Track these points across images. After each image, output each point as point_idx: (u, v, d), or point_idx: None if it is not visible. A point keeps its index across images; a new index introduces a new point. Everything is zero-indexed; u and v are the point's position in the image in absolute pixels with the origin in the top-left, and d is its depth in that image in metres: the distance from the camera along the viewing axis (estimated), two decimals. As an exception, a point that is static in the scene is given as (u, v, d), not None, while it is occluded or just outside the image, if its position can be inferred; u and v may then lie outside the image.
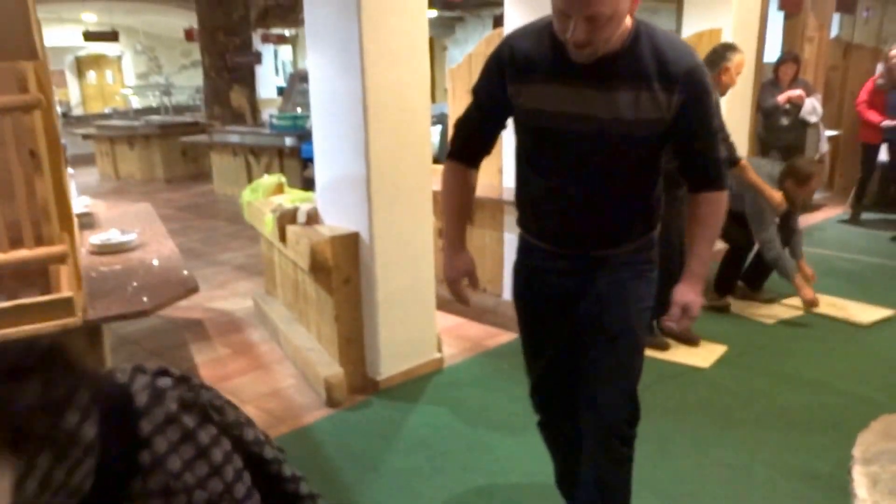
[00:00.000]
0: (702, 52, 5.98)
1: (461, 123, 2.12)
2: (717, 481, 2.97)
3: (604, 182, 1.90)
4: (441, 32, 14.95)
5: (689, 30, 6.31)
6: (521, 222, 2.14)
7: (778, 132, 6.84)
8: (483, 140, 2.11)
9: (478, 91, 2.05)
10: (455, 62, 5.84)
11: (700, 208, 1.99)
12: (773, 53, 7.49)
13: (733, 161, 4.18)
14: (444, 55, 16.02)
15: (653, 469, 3.04)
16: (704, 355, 4.16)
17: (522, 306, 2.22)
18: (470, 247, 4.99)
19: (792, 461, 3.10)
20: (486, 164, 2.18)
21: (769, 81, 6.86)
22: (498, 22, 4.83)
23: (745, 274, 5.10)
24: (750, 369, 4.02)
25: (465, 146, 2.11)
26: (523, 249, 2.18)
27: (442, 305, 4.35)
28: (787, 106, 6.70)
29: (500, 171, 4.91)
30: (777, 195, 4.42)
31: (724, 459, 3.12)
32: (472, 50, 5.32)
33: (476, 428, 3.42)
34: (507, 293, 4.86)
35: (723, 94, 4.12)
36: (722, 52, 4.15)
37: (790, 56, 6.90)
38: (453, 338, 4.46)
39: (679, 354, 4.18)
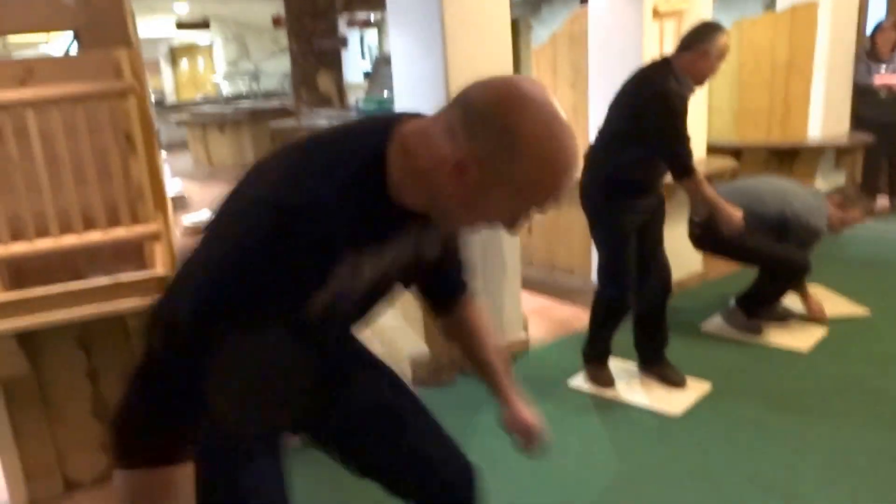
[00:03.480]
0: (795, 29, 5.78)
1: None
2: (816, 467, 2.86)
3: None
4: (527, 11, 14.72)
5: (783, 4, 6.04)
6: None
7: (875, 107, 6.35)
8: None
9: None
10: (541, 41, 5.76)
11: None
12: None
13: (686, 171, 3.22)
14: (530, 34, 15.80)
15: (750, 455, 2.96)
16: (804, 338, 4.01)
17: None
18: (556, 228, 4.97)
19: (892, 446, 2.97)
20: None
21: (866, 52, 6.37)
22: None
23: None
24: (849, 353, 3.85)
25: None
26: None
27: (528, 286, 4.32)
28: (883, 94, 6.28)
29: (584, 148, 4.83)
30: (736, 214, 3.29)
31: (822, 445, 3.01)
32: (557, 28, 5.23)
33: (563, 410, 3.39)
34: (595, 274, 4.79)
35: (698, 82, 3.21)
36: (704, 33, 3.18)
37: (889, 22, 6.37)
38: (540, 319, 4.42)
39: (777, 337, 4.04)
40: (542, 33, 14.23)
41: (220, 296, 1.07)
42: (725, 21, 6.15)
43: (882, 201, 6.71)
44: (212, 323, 1.07)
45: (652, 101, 3.11)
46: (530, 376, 3.72)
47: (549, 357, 3.96)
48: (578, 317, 4.41)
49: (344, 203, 1.11)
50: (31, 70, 2.52)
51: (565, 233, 4.93)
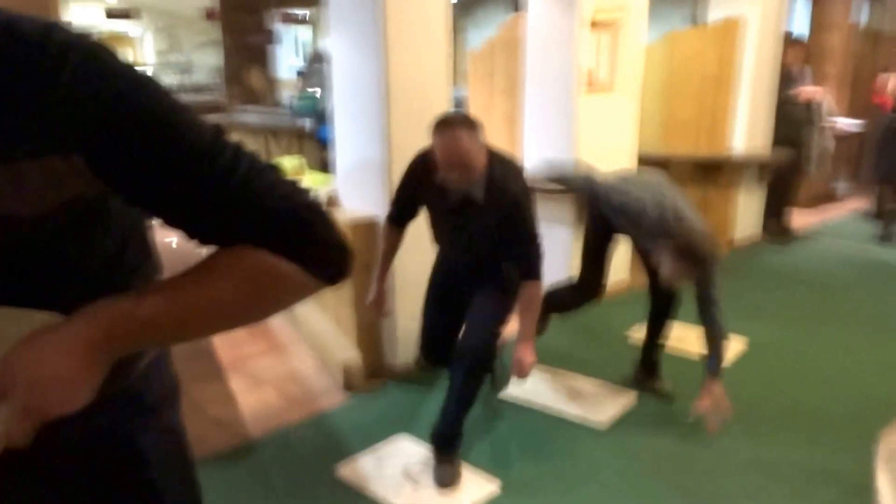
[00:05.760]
0: (722, 42, 5.91)
1: None
2: (735, 476, 2.94)
3: None
4: (460, 14, 14.69)
5: (712, 16, 6.18)
6: None
7: (785, 121, 6.39)
8: None
9: None
10: (473, 44, 5.77)
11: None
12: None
13: None
14: (463, 38, 15.80)
15: (672, 464, 3.03)
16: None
17: None
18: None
19: (812, 460, 3.07)
20: (505, 147, 2.14)
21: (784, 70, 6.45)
22: (518, 5, 4.77)
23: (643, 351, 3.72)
24: (769, 367, 3.96)
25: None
26: None
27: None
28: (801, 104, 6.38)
29: (516, 154, 4.87)
30: None
31: (744, 457, 3.09)
32: (492, 34, 5.26)
33: (497, 415, 3.40)
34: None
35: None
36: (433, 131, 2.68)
37: (793, 39, 6.51)
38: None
39: (700, 350, 4.08)
40: (475, 36, 14.26)
41: None
42: (655, 32, 6.29)
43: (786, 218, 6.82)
44: None
45: None
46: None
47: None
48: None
49: None
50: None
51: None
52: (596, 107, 4.61)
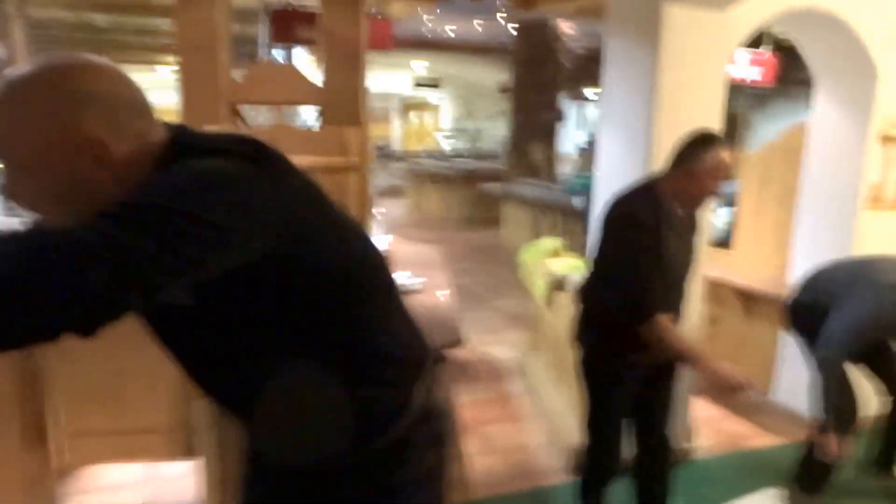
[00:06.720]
0: None
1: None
2: None
3: None
4: (752, 105, 14.05)
5: None
6: None
7: None
8: None
9: None
10: (762, 136, 5.61)
11: None
12: None
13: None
14: (746, 132, 14.97)
15: None
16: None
17: None
18: (739, 336, 4.81)
19: None
20: (772, 256, 2.12)
21: None
22: (810, 100, 4.58)
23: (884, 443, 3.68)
24: None
25: None
26: None
27: (701, 393, 4.25)
28: None
29: (784, 265, 4.71)
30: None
31: None
32: (773, 139, 5.12)
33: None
34: (779, 392, 4.63)
35: (688, 205, 2.65)
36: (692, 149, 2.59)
37: None
38: (710, 430, 4.31)
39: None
40: (764, 129, 13.61)
41: None
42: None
43: None
44: None
45: (614, 223, 2.65)
46: (691, 492, 3.64)
47: (713, 473, 3.85)
48: (753, 434, 4.27)
49: None
50: (275, 138, 2.90)
51: (749, 342, 4.81)
52: (880, 224, 4.35)
